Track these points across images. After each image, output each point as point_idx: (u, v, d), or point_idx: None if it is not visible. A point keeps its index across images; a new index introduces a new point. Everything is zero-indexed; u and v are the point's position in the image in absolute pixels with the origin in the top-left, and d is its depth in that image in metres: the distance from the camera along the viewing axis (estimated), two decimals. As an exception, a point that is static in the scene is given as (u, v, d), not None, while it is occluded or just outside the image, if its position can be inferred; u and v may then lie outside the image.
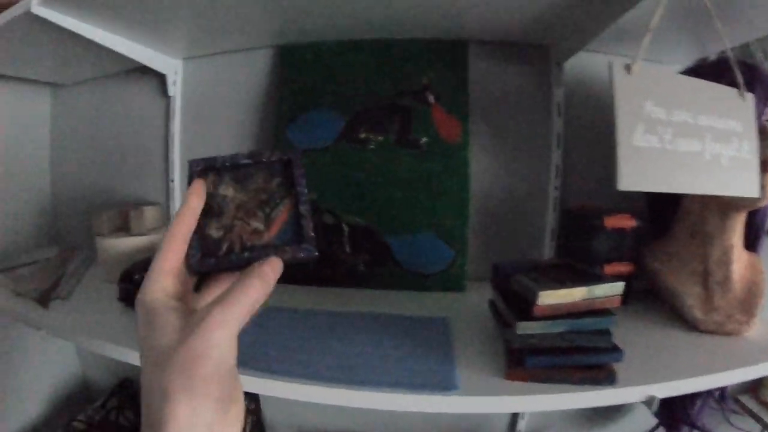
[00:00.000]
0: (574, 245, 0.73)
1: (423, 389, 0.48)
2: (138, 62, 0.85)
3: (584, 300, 0.48)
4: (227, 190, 0.41)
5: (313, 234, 0.38)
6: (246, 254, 0.38)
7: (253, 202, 0.41)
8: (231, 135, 0.95)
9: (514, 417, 0.89)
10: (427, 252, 0.78)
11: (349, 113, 0.82)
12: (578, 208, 0.74)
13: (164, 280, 0.34)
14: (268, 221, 0.40)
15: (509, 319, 0.51)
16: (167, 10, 0.70)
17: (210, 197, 0.41)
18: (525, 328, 0.48)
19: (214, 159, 0.42)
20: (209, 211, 0.41)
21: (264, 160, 0.41)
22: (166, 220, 0.97)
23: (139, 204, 0.97)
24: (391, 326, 0.63)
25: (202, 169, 0.42)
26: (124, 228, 0.92)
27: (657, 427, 0.77)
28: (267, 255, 0.37)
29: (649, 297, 0.70)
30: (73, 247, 1.06)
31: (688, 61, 0.76)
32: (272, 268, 0.36)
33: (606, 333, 0.48)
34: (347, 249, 0.81)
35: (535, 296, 0.47)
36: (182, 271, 0.36)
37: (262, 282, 0.34)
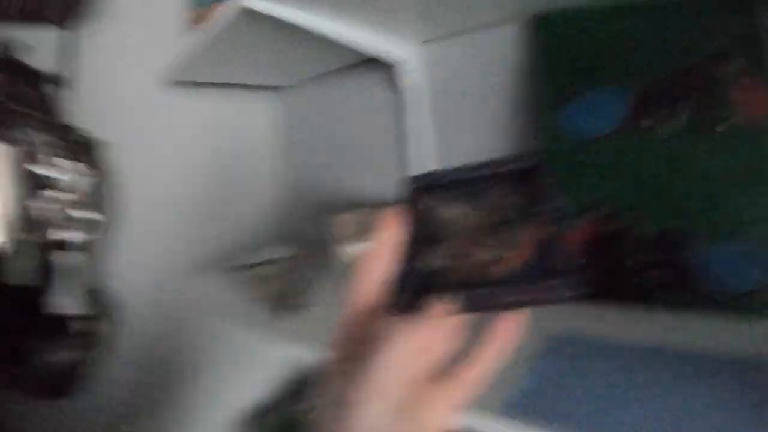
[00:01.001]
0: None
1: None
2: (366, 53, 0.79)
3: None
4: (451, 211, 0.36)
5: (571, 263, 0.30)
6: (474, 293, 0.31)
7: (485, 224, 0.34)
8: (480, 128, 0.84)
9: None
10: (736, 266, 0.59)
11: (632, 93, 0.66)
12: None
13: (351, 317, 0.33)
14: (503, 250, 0.33)
15: None
16: None
17: (426, 221, 0.36)
18: None
19: (433, 175, 0.37)
20: (425, 239, 0.35)
21: (498, 171, 0.35)
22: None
23: (377, 205, 0.95)
24: (701, 373, 0.47)
25: (422, 186, 0.37)
26: (363, 231, 0.89)
27: None
28: (498, 294, 0.30)
29: None
30: (306, 249, 1.08)
31: None
32: (508, 331, 0.32)
33: None
34: (635, 260, 0.66)
35: None
36: (375, 302, 0.34)
37: (495, 356, 0.31)
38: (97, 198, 0.87)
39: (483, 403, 0.41)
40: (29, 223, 0.78)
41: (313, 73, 1.04)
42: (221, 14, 0.69)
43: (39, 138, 0.80)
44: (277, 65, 0.96)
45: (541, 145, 0.72)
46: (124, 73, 0.94)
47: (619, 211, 0.66)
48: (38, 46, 0.80)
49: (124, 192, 0.89)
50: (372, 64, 0.89)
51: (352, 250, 0.82)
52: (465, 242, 0.34)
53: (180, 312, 1.00)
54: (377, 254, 0.34)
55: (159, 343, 0.98)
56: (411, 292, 0.33)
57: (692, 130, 0.61)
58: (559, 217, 0.32)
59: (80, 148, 0.84)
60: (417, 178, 0.37)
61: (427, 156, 0.89)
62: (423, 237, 0.35)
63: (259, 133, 1.20)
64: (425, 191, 0.37)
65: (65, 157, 0.82)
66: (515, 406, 0.43)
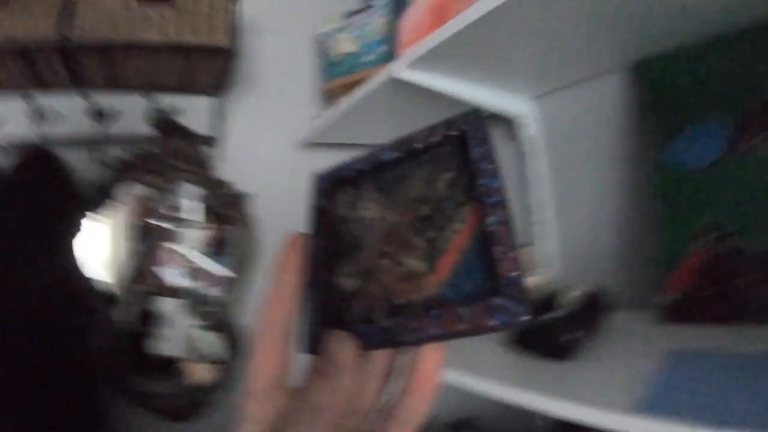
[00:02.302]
0: None
1: None
2: (488, 110, 0.89)
3: None
4: (368, 210, 0.28)
5: (517, 273, 0.21)
6: (386, 323, 0.24)
7: (408, 221, 0.26)
8: (595, 169, 0.91)
9: None
10: None
11: (734, 119, 0.70)
12: None
13: (255, 408, 0.26)
14: (432, 255, 0.24)
15: None
16: (509, 51, 0.73)
17: (344, 224, 0.29)
18: None
19: (344, 165, 0.30)
20: (343, 248, 0.28)
21: (420, 146, 0.27)
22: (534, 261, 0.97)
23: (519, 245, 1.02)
24: None
25: (330, 183, 0.30)
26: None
27: None
28: (421, 324, 0.23)
29: None
30: None
31: None
32: (434, 368, 0.25)
33: None
34: (751, 280, 0.66)
35: None
36: (285, 376, 0.27)
37: (423, 403, 0.25)
38: (233, 249, 0.96)
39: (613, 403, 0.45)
40: (139, 273, 0.86)
41: None
42: (370, 83, 0.81)
43: (192, 192, 0.91)
44: (404, 125, 1.08)
45: (652, 181, 0.77)
46: (264, 136, 1.10)
47: (728, 234, 0.68)
48: (192, 111, 0.96)
49: (262, 241, 0.98)
50: (494, 119, 0.99)
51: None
52: (386, 247, 0.26)
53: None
54: (272, 311, 0.27)
55: None
56: (319, 325, 0.26)
57: None
58: (497, 202, 0.23)
59: (230, 201, 0.94)
60: (323, 176, 0.30)
61: (548, 202, 0.96)
62: (340, 247, 0.28)
63: None
64: (336, 190, 0.30)
65: (213, 207, 0.92)
66: (646, 406, 0.45)
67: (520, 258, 0.22)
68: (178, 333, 0.90)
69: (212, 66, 0.85)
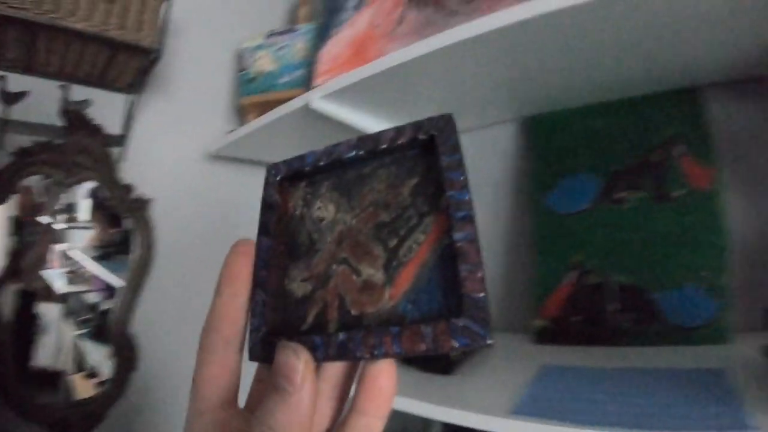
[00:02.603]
0: None
1: (716, 430, 0.47)
2: None
3: None
4: (325, 210, 0.26)
5: (483, 294, 0.20)
6: (341, 336, 0.22)
7: (368, 227, 0.24)
8: (484, 208, 0.99)
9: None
10: (691, 305, 0.75)
11: (604, 174, 0.85)
12: None
13: (212, 364, 0.24)
14: (391, 265, 0.23)
15: None
16: (416, 92, 0.80)
17: (297, 223, 0.27)
18: None
19: (301, 158, 0.28)
20: (295, 248, 0.27)
21: (385, 147, 0.25)
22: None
23: None
24: (669, 378, 0.62)
25: (284, 177, 0.28)
26: None
27: None
28: (380, 340, 0.21)
29: None
30: None
31: None
32: (389, 384, 0.23)
33: None
34: (613, 308, 0.80)
35: None
36: (234, 395, 0.25)
37: (378, 422, 0.23)
38: (129, 256, 0.92)
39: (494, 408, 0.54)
40: (17, 271, 0.81)
41: None
42: (284, 107, 0.84)
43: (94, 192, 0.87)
44: (309, 147, 1.11)
45: (532, 222, 0.89)
46: (172, 142, 1.07)
47: (593, 270, 0.82)
48: (106, 107, 0.92)
49: (158, 247, 0.96)
50: None
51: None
52: (342, 252, 0.25)
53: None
54: (214, 322, 0.24)
55: (172, 388, 1.00)
56: (267, 331, 0.24)
57: (652, 200, 0.80)
58: (466, 216, 0.22)
59: (130, 205, 0.91)
60: (276, 168, 0.28)
61: None
62: (293, 247, 0.27)
63: None
64: (290, 185, 0.29)
65: (111, 210, 0.89)
66: (522, 410, 0.54)
67: (485, 278, 0.20)
68: (62, 342, 0.85)
69: (134, 64, 0.82)
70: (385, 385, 0.23)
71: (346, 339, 0.22)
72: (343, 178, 0.26)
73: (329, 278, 0.24)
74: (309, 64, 1.01)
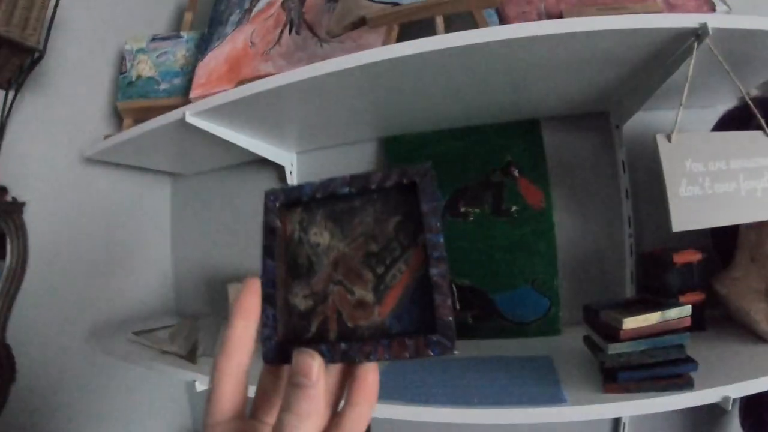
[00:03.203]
0: (651, 283, 0.84)
1: (536, 404, 0.59)
2: (260, 156, 1.05)
3: (659, 323, 0.59)
4: (320, 236, 0.31)
5: (451, 318, 0.26)
6: (343, 345, 0.28)
7: (359, 255, 0.29)
8: None
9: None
10: (526, 303, 0.92)
11: (449, 191, 0.98)
12: (651, 252, 0.85)
13: (227, 384, 0.28)
14: (379, 288, 0.29)
15: (601, 344, 0.62)
16: (283, 114, 0.88)
17: (296, 245, 0.31)
18: (614, 349, 0.59)
19: (299, 188, 0.31)
20: (296, 268, 0.31)
21: (373, 187, 0.30)
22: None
23: None
24: (501, 364, 0.75)
25: (282, 203, 0.31)
26: None
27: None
28: (374, 349, 0.27)
29: (724, 323, 0.78)
30: (195, 317, 1.19)
31: (729, 101, 0.87)
32: (375, 380, 0.28)
33: (680, 347, 0.59)
34: (457, 306, 0.94)
35: (620, 323, 0.58)
36: (244, 408, 0.30)
37: (368, 410, 0.28)
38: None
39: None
40: None
41: (212, 166, 1.25)
42: (161, 119, 0.88)
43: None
44: (188, 158, 1.17)
45: None
46: (48, 144, 1.03)
47: None
48: None
49: (32, 253, 0.95)
50: (267, 163, 1.13)
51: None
52: (338, 275, 0.30)
53: (78, 367, 1.04)
54: (230, 350, 0.28)
55: (53, 397, 0.99)
56: (279, 338, 0.29)
57: (491, 214, 0.95)
58: (440, 257, 0.27)
59: (3, 208, 0.87)
60: (274, 195, 0.31)
61: None
62: (293, 267, 0.31)
63: (154, 213, 1.33)
64: (287, 211, 0.32)
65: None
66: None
67: (451, 304, 0.26)
68: None
69: (16, 62, 0.80)
70: (372, 380, 0.28)
71: (347, 348, 0.27)
72: (335, 208, 0.30)
73: (327, 296, 0.29)
74: (188, 72, 1.05)
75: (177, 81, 1.04)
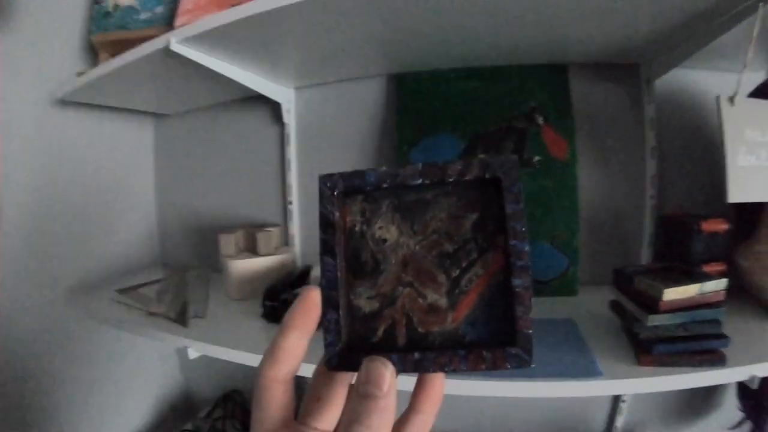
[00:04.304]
0: (673, 249, 0.81)
1: (574, 377, 0.56)
2: (254, 91, 0.95)
3: (698, 295, 0.57)
4: (387, 231, 0.27)
5: (531, 331, 0.25)
6: (416, 355, 0.26)
7: (432, 255, 0.27)
8: (348, 159, 1.03)
9: (613, 412, 0.93)
10: (544, 261, 0.87)
11: (467, 137, 0.90)
12: (675, 215, 0.82)
13: (275, 391, 0.27)
14: (454, 293, 0.26)
15: (638, 314, 0.60)
16: (281, 42, 0.77)
17: (358, 240, 0.28)
18: (653, 320, 0.57)
19: (361, 175, 0.27)
20: (358, 266, 0.28)
21: (450, 180, 0.26)
22: (285, 241, 1.07)
23: (257, 226, 1.07)
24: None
25: (342, 192, 0.28)
26: (247, 249, 1.00)
27: (743, 421, 0.83)
28: (450, 360, 0.25)
29: (739, 294, 0.75)
30: (183, 269, 1.13)
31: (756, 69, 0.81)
32: (442, 388, 0.27)
33: (717, 322, 0.57)
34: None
35: (660, 293, 0.56)
36: (291, 412, 0.29)
37: (432, 419, 0.27)
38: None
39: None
40: None
41: (202, 103, 1.14)
42: (143, 48, 0.77)
43: None
44: (174, 94, 1.05)
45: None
46: (15, 86, 0.91)
47: None
48: None
49: (2, 205, 0.86)
50: (262, 100, 1.04)
51: (245, 265, 0.92)
52: (408, 275, 0.27)
53: (61, 325, 0.98)
54: (286, 353, 0.27)
55: (36, 362, 0.95)
56: (343, 343, 0.27)
57: None
58: (524, 266, 0.25)
59: None
60: (334, 179, 0.27)
61: (295, 185, 1.08)
62: (355, 264, 0.28)
63: (137, 156, 1.23)
64: (347, 199, 0.28)
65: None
66: None
67: (532, 317, 0.25)
68: None
69: None
70: (440, 389, 0.27)
71: (420, 357, 0.25)
72: (404, 199, 0.27)
73: (396, 298, 0.27)
74: (171, 0, 0.89)
75: (159, 9, 0.90)
